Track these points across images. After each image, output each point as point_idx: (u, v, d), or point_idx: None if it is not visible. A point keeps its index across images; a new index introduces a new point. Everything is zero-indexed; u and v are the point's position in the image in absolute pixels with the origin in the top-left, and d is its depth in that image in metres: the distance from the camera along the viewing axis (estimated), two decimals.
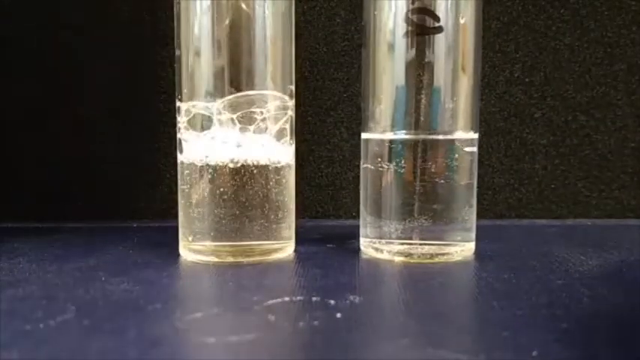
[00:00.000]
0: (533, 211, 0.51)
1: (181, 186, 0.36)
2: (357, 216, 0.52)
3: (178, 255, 0.37)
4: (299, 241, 0.38)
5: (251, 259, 0.35)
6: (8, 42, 0.51)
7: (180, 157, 0.36)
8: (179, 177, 0.36)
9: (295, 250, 0.37)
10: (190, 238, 0.35)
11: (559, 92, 0.50)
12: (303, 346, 0.23)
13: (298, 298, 0.28)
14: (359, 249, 0.38)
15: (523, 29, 0.50)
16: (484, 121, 0.50)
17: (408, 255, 0.35)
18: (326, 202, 0.51)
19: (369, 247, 0.37)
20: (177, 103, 0.36)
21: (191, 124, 0.35)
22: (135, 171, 0.51)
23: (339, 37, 0.50)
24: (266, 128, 0.35)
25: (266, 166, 0.35)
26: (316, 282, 0.31)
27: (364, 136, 0.37)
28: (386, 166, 0.35)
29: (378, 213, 0.36)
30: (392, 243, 0.35)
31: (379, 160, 0.35)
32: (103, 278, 0.31)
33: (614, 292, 0.29)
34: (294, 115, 0.36)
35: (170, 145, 0.50)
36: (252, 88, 0.34)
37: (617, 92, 0.50)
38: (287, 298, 0.28)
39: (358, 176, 0.51)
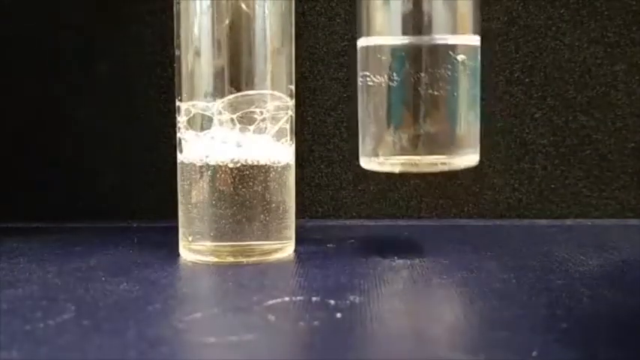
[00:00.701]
0: (533, 211, 0.51)
1: (181, 186, 0.36)
2: (357, 216, 0.52)
3: (178, 255, 0.37)
4: (299, 241, 0.38)
5: (251, 259, 0.35)
6: (8, 42, 0.51)
7: (180, 157, 0.36)
8: (179, 177, 0.36)
9: (295, 250, 0.37)
10: (190, 238, 0.35)
11: (559, 92, 0.50)
12: (303, 346, 0.23)
13: (298, 298, 0.28)
14: (357, 246, 0.38)
15: (523, 29, 0.50)
16: (484, 121, 0.50)
17: (414, 165, 0.34)
18: (326, 202, 0.51)
19: (373, 162, 0.35)
20: (177, 103, 0.36)
21: (191, 123, 0.35)
22: (135, 171, 0.51)
23: (339, 37, 0.50)
24: (266, 128, 0.34)
25: (266, 166, 0.35)
26: (316, 282, 0.31)
27: (360, 42, 0.35)
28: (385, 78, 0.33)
29: (381, 126, 0.34)
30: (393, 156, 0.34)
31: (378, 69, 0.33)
32: (103, 278, 0.31)
33: (614, 292, 0.29)
34: (294, 115, 0.36)
35: (170, 145, 0.50)
36: (252, 88, 0.34)
37: (618, 92, 0.50)
38: (287, 298, 0.28)
39: (358, 176, 0.51)
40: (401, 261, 0.35)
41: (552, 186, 0.51)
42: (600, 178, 0.51)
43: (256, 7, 0.34)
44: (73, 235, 0.44)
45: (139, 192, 0.51)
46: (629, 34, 0.50)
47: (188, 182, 0.35)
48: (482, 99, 0.50)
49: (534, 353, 0.21)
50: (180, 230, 0.36)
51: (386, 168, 0.34)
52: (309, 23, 0.50)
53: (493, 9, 0.50)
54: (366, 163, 0.36)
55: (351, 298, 0.28)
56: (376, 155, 0.35)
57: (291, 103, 0.36)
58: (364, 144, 0.36)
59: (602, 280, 0.31)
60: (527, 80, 0.50)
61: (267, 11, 0.34)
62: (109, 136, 0.51)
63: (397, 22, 0.33)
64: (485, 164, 0.50)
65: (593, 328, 0.24)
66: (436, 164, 0.34)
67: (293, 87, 0.36)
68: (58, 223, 0.50)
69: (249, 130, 0.34)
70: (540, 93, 0.50)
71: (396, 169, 0.34)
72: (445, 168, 0.34)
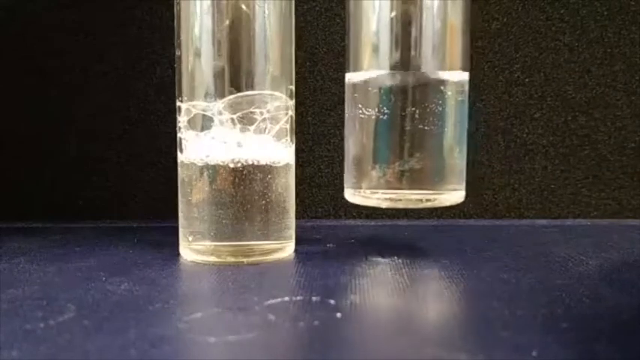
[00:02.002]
0: (532, 211, 0.51)
1: (181, 186, 0.36)
2: (357, 216, 0.52)
3: (178, 255, 0.37)
4: (299, 241, 0.38)
5: (251, 259, 0.35)
6: (9, 41, 0.51)
7: (180, 157, 0.36)
8: (179, 177, 0.36)
9: (295, 250, 0.37)
10: (190, 238, 0.35)
11: (559, 92, 0.50)
12: (303, 346, 0.23)
13: (298, 297, 0.28)
14: (358, 248, 0.38)
15: (523, 29, 0.50)
16: (484, 121, 0.50)
17: (397, 201, 0.34)
18: (326, 202, 0.51)
19: (357, 196, 0.35)
20: (178, 103, 0.36)
21: (191, 123, 0.35)
22: (135, 171, 0.51)
23: (339, 37, 0.50)
24: (266, 128, 0.35)
25: (266, 166, 0.35)
26: (316, 282, 0.31)
27: (349, 76, 0.35)
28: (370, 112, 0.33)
29: (366, 161, 0.34)
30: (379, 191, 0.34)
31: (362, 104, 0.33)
32: (104, 278, 0.32)
33: (613, 292, 0.29)
34: (294, 115, 0.36)
35: (170, 145, 0.50)
36: (252, 89, 0.34)
37: (617, 92, 0.50)
38: (287, 298, 0.28)
39: None
40: (401, 261, 0.35)
41: (552, 186, 0.51)
42: (600, 178, 0.51)
43: (256, 7, 0.34)
44: (73, 235, 0.44)
45: (139, 192, 0.51)
46: (628, 35, 0.50)
47: (188, 182, 0.35)
48: (481, 99, 0.51)
49: (534, 353, 0.21)
50: (181, 230, 0.36)
51: (372, 202, 0.34)
52: (310, 24, 0.50)
53: (493, 9, 0.50)
54: (352, 196, 0.36)
55: (351, 297, 0.28)
56: (361, 189, 0.35)
57: (291, 103, 0.36)
58: (348, 178, 0.35)
59: (601, 280, 0.31)
60: (526, 80, 0.50)
61: (267, 12, 0.34)
62: (109, 136, 0.51)
63: (386, 57, 0.33)
64: (485, 164, 0.51)
65: (592, 328, 0.24)
66: (422, 200, 0.34)
67: (293, 87, 0.36)
68: (58, 223, 0.50)
69: (249, 130, 0.34)
70: (540, 93, 0.50)
71: (383, 205, 0.34)
72: (430, 205, 0.34)
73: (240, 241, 0.35)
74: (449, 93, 0.33)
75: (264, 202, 0.35)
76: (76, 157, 0.51)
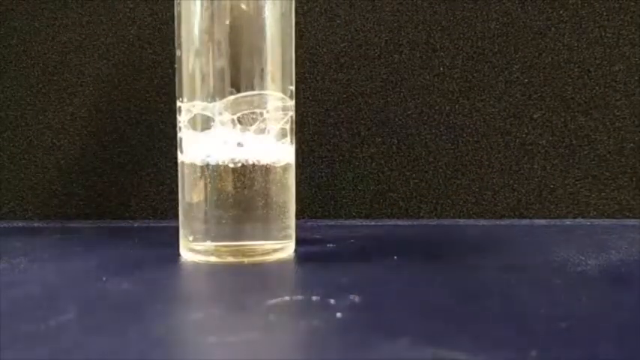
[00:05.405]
0: (532, 211, 0.51)
1: (182, 186, 0.36)
2: (357, 216, 0.52)
3: (178, 255, 0.37)
4: (299, 241, 0.38)
5: (251, 259, 0.35)
6: (10, 41, 0.51)
7: (180, 157, 0.36)
8: (179, 177, 0.36)
9: (295, 250, 0.37)
10: (190, 238, 0.36)
11: (558, 93, 0.50)
12: (303, 346, 0.23)
13: (298, 297, 0.28)
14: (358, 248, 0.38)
15: (522, 30, 0.50)
16: (483, 121, 0.50)
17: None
18: (326, 202, 0.51)
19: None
20: (178, 104, 0.36)
21: (191, 124, 0.35)
22: (135, 171, 0.51)
23: (339, 38, 0.50)
24: (266, 128, 0.35)
25: (266, 166, 0.35)
26: (316, 281, 0.31)
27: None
28: None
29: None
30: None
31: None
32: (104, 278, 0.32)
33: (613, 292, 0.29)
34: (294, 116, 0.36)
35: (170, 145, 0.50)
36: (252, 89, 0.34)
37: (616, 93, 0.50)
38: (287, 298, 0.28)
39: (358, 176, 0.51)
40: (400, 261, 0.35)
41: (551, 186, 0.51)
42: (599, 178, 0.51)
43: (257, 7, 0.34)
44: (73, 235, 0.44)
45: (139, 192, 0.51)
46: (627, 35, 0.50)
47: (189, 182, 0.35)
48: (481, 100, 0.51)
49: (533, 353, 0.21)
50: (181, 230, 0.36)
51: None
52: (309, 24, 0.50)
53: (493, 9, 0.50)
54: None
55: (351, 297, 0.28)
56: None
57: (292, 103, 0.36)
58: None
59: (601, 280, 0.31)
60: (526, 81, 0.50)
61: (267, 12, 0.34)
62: (109, 136, 0.51)
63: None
64: (485, 164, 0.51)
65: (592, 328, 0.24)
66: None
67: (293, 87, 0.36)
68: (58, 223, 0.50)
69: (249, 130, 0.34)
70: (539, 93, 0.50)
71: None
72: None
73: (240, 241, 0.35)
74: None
75: (264, 202, 0.35)
76: (76, 157, 0.51)
